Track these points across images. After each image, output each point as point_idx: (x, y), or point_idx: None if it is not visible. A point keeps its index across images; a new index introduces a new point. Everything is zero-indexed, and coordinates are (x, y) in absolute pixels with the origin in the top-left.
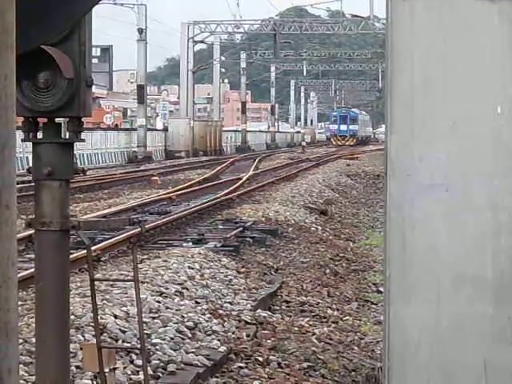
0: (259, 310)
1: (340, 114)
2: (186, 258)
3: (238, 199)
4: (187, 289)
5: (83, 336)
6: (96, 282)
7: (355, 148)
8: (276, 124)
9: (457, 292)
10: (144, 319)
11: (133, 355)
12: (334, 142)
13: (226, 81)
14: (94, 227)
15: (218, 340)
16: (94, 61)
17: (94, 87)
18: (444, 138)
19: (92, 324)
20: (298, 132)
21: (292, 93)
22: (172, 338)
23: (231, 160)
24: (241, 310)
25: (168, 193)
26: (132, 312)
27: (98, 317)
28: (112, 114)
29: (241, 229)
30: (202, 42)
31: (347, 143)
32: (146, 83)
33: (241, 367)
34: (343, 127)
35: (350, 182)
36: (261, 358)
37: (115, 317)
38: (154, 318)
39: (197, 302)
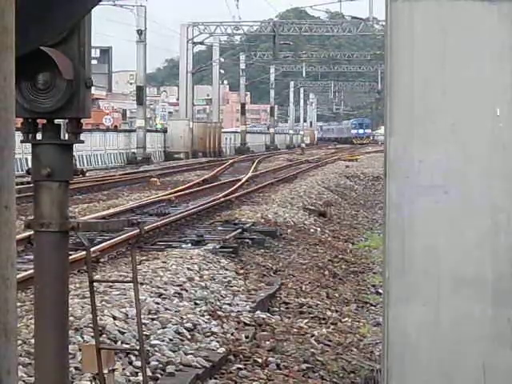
0: (258, 312)
1: (358, 122)
2: (185, 259)
3: (237, 201)
4: (186, 290)
5: (82, 337)
6: (95, 284)
7: (354, 149)
8: (274, 125)
9: (456, 293)
10: (143, 320)
11: (132, 356)
12: (354, 142)
13: (225, 82)
14: (93, 228)
15: (217, 341)
16: (94, 62)
17: (93, 88)
18: (443, 140)
19: (91, 325)
20: (298, 133)
21: (291, 94)
22: (171, 340)
23: (230, 161)
24: (240, 312)
25: (167, 194)
26: (131, 313)
27: (97, 318)
28: (111, 115)
29: (240, 230)
30: (201, 43)
31: (364, 142)
32: (145, 84)
33: (240, 369)
34: (361, 131)
35: (349, 184)
36: (260, 360)
37: (114, 318)
38: (153, 319)
39: (196, 304)
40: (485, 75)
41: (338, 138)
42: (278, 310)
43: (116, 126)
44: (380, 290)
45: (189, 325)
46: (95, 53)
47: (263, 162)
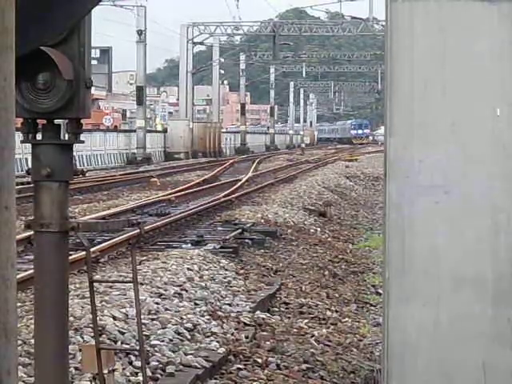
0: (258, 312)
1: (357, 123)
2: (185, 259)
3: (237, 201)
4: (186, 290)
5: (82, 337)
6: (95, 284)
7: (354, 150)
8: (274, 125)
9: (456, 293)
10: (143, 321)
11: (132, 357)
12: (354, 142)
13: (225, 82)
14: (93, 229)
15: (217, 342)
16: (94, 62)
17: (93, 89)
18: (443, 140)
19: (91, 325)
20: (298, 134)
21: (291, 94)
22: (171, 340)
23: (230, 161)
24: (240, 312)
25: (167, 194)
26: (131, 313)
27: (97, 318)
28: (111, 115)
29: (240, 230)
30: (201, 43)
31: (364, 142)
32: (145, 85)
33: (240, 369)
34: (360, 131)
35: (349, 184)
36: (260, 360)
37: (114, 318)
38: (152, 319)
39: (196, 304)
40: (485, 75)
41: (329, 138)
42: (278, 310)
43: (116, 127)
44: (380, 291)
45: (189, 325)
46: (95, 53)
47: (263, 162)
